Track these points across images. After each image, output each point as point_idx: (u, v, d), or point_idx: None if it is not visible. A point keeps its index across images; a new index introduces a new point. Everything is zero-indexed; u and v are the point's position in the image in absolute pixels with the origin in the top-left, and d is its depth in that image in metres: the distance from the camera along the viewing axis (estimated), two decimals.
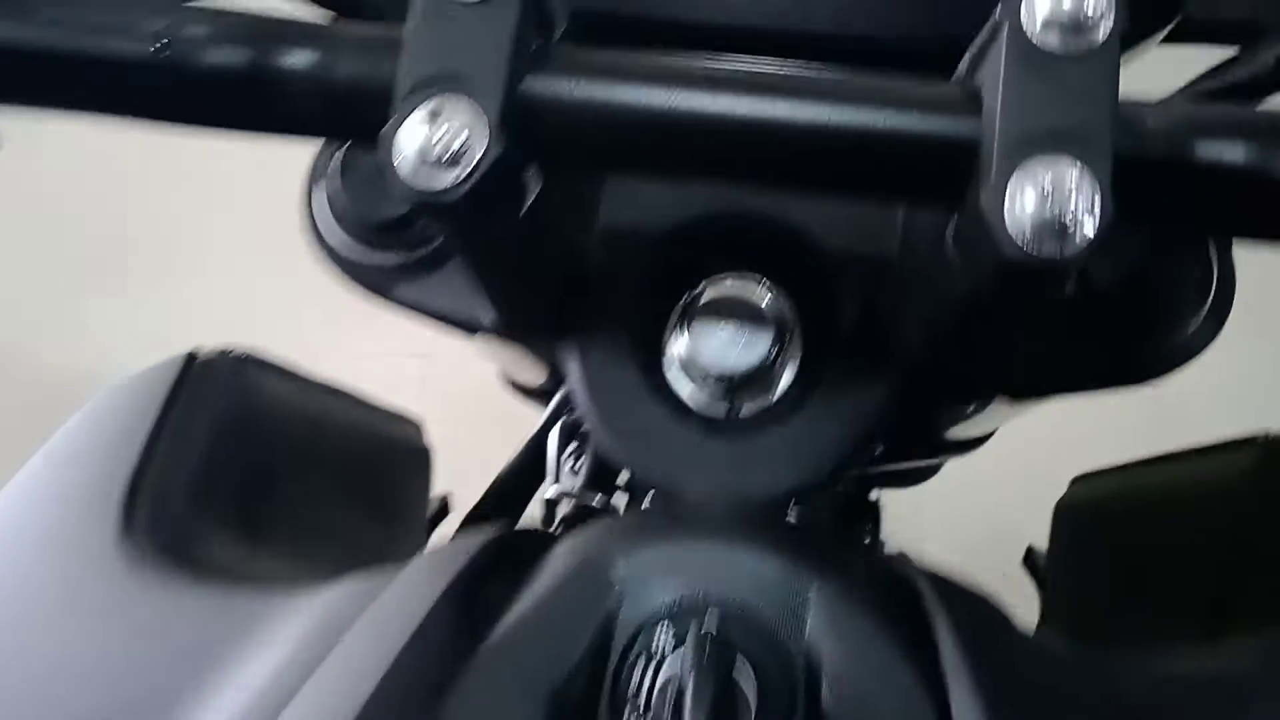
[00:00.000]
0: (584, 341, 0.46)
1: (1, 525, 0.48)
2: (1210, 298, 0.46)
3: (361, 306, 0.51)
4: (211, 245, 1.95)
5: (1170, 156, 0.33)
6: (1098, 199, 0.31)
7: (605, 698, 0.35)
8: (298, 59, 0.35)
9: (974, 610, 0.40)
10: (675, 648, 0.35)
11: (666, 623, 0.36)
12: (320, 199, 0.50)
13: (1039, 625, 0.82)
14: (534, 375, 0.67)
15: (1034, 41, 0.32)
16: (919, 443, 0.71)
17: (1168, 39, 0.48)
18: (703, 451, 0.45)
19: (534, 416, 0.73)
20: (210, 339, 0.61)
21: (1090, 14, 0.32)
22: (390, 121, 0.33)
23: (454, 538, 0.45)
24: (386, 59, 0.34)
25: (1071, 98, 0.32)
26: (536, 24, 0.36)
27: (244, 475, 0.54)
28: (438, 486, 0.86)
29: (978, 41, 0.35)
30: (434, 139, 0.32)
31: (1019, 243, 0.31)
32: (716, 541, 0.38)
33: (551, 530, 0.65)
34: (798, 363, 0.46)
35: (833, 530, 0.77)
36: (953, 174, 0.33)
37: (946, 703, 0.34)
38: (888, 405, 0.45)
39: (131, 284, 1.93)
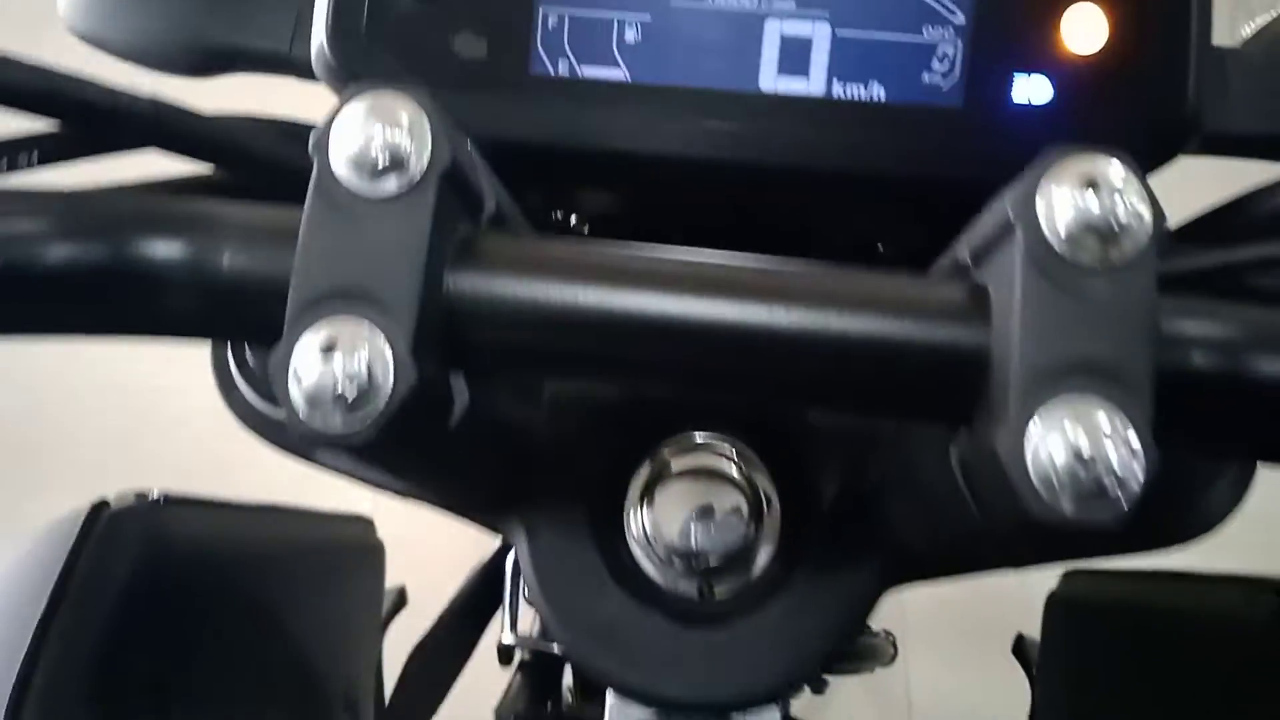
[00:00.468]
0: (533, 518, 0.41)
1: None
2: (1235, 468, 0.41)
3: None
4: None
5: (1222, 377, 0.27)
6: (1139, 448, 0.25)
7: None
8: (168, 251, 0.30)
9: None
10: None
11: None
12: (228, 352, 0.44)
13: (1030, 716, 0.78)
14: None
15: (1056, 250, 0.27)
16: None
17: (1197, 152, 0.43)
18: (675, 646, 0.39)
19: None
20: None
21: (1122, 219, 0.26)
22: (279, 348, 0.27)
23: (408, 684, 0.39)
24: (281, 251, 0.29)
25: (1103, 320, 0.26)
26: (462, 207, 0.30)
27: (158, 650, 0.48)
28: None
29: (981, 229, 0.29)
30: (332, 376, 0.26)
31: (1045, 499, 0.25)
32: None
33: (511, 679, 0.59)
34: (777, 537, 0.41)
35: None
36: (955, 392, 0.28)
37: None
38: (881, 587, 0.40)
39: None
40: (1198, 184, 0.56)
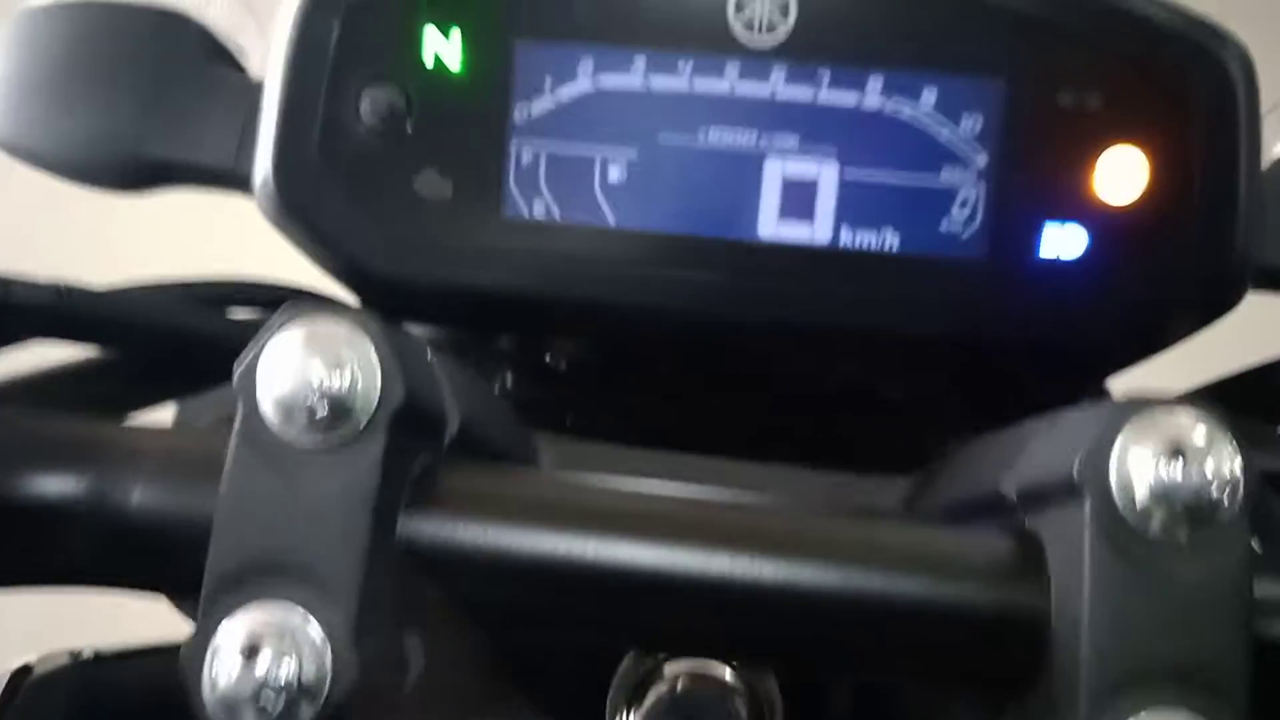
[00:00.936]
0: None
1: None
2: None
3: None
4: None
5: None
6: None
7: None
8: (63, 486, 0.25)
9: None
10: None
11: None
12: None
13: None
14: None
15: (1131, 524, 0.22)
16: None
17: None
18: None
19: None
20: None
21: (1212, 493, 0.22)
22: (192, 638, 0.22)
23: None
24: (203, 491, 0.24)
25: (1189, 611, 0.22)
26: (420, 436, 0.25)
27: None
28: None
29: (1033, 470, 0.25)
30: (253, 683, 0.22)
31: None
32: None
33: None
34: None
35: None
36: (1005, 661, 0.24)
37: None
38: None
39: None
40: None
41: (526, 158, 0.37)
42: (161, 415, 0.38)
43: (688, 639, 0.26)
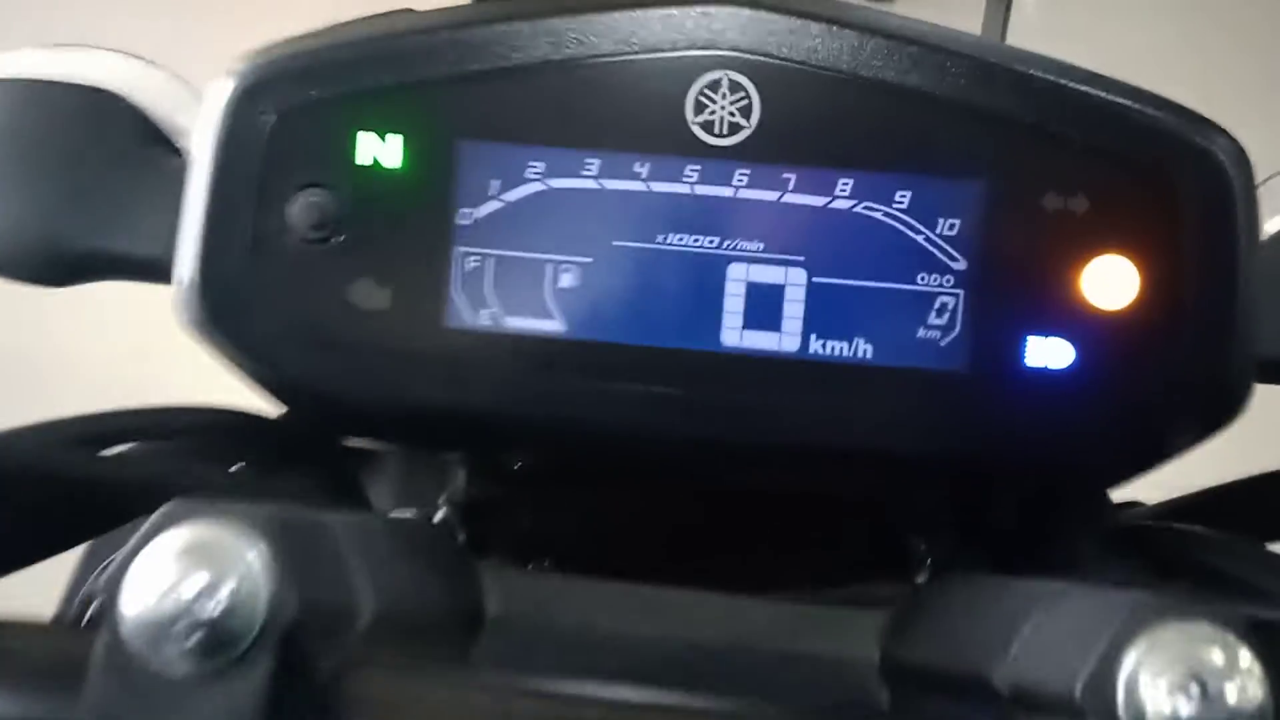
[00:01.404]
0: None
1: None
2: None
3: None
4: None
5: None
6: None
7: None
8: None
9: None
10: None
11: None
12: None
13: None
14: None
15: None
16: None
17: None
18: None
19: None
20: None
21: None
22: None
23: None
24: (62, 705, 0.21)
25: None
26: (319, 639, 0.22)
27: None
28: None
29: (1026, 673, 0.22)
30: None
31: None
32: None
33: None
34: None
35: None
36: None
37: None
38: None
39: None
40: None
41: (471, 263, 0.35)
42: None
43: None
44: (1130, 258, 0.34)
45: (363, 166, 0.34)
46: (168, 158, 0.39)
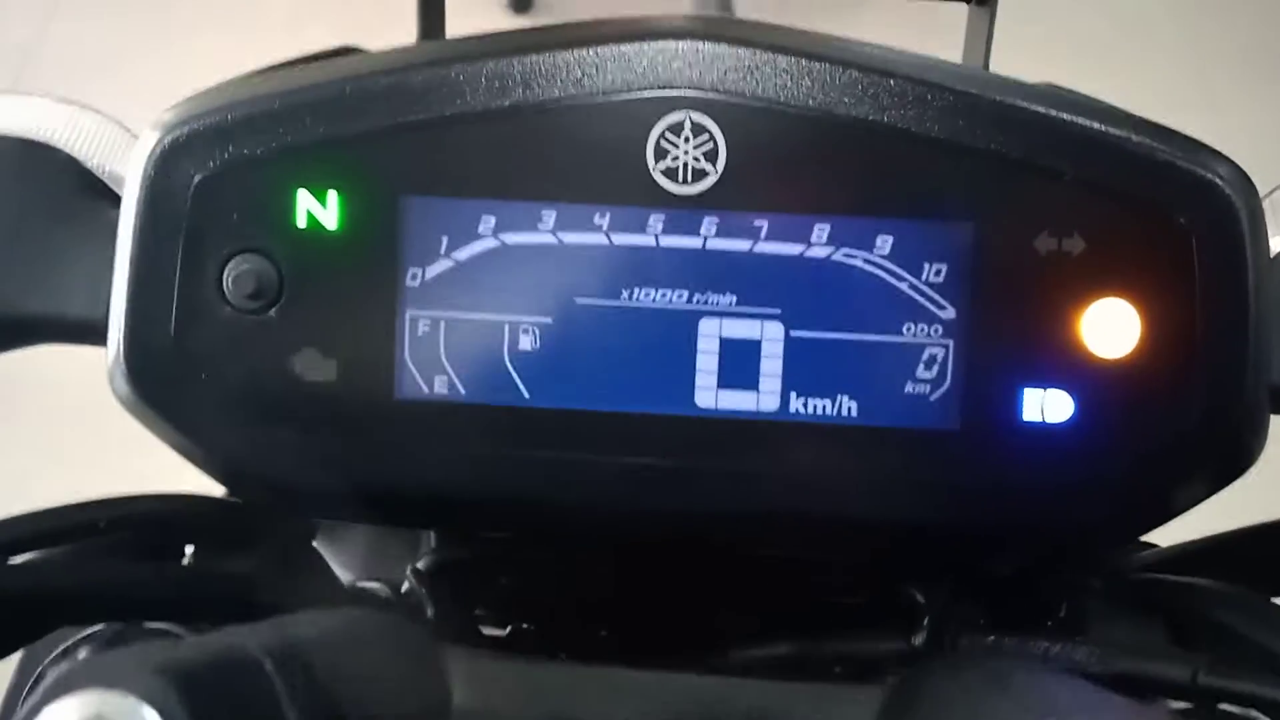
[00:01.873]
0: None
1: None
2: None
3: None
4: None
5: None
6: None
7: None
8: None
9: None
10: None
11: None
12: None
13: None
14: None
15: None
16: None
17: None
18: None
19: None
20: None
21: None
22: None
23: None
24: None
25: None
26: None
27: None
28: None
29: None
30: None
31: None
32: None
33: None
34: None
35: None
36: None
37: None
38: None
39: None
40: None
41: (422, 328, 0.32)
42: None
43: None
44: (1131, 300, 0.31)
45: (299, 229, 0.32)
46: (105, 210, 0.36)
